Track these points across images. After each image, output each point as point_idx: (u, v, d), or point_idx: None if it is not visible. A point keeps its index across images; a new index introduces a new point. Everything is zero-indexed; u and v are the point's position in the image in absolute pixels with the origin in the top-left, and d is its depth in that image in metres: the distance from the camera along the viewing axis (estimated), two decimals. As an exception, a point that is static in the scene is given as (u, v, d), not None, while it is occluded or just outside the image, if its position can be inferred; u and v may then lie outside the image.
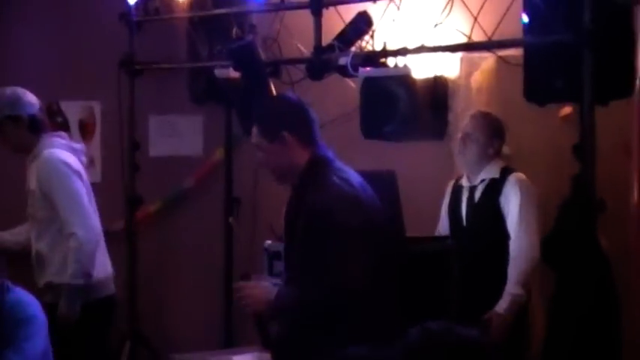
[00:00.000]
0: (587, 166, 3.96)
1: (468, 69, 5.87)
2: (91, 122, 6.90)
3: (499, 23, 4.54)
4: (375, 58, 5.07)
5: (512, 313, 4.92)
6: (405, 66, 4.95)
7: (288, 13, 5.61)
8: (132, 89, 6.40)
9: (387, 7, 5.06)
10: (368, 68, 5.04)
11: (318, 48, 5.20)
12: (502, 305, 4.92)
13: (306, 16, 5.29)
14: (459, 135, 5.19)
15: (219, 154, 6.82)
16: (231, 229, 6.52)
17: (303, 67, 5.34)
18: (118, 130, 6.34)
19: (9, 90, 5.30)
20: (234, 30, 5.77)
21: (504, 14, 4.45)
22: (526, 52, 4.33)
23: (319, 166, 3.73)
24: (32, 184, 5.28)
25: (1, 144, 5.40)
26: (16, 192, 5.57)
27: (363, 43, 5.20)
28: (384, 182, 4.53)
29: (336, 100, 5.67)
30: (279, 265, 4.38)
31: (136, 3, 6.27)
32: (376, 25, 5.17)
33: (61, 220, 5.18)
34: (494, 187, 5.08)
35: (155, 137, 6.87)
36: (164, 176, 6.80)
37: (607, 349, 4.67)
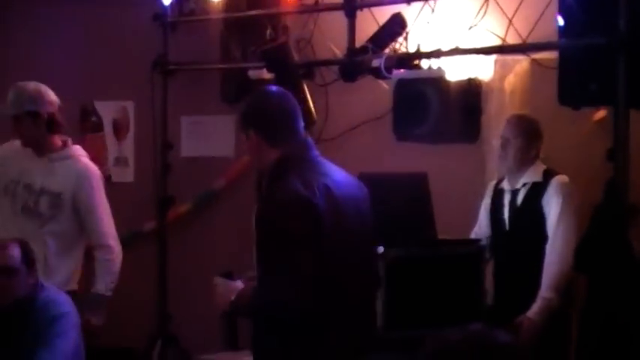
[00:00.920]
0: (621, 170, 3.94)
1: (502, 72, 5.84)
2: (124, 122, 6.93)
3: (534, 26, 4.52)
4: (408, 60, 5.07)
5: (542, 317, 4.88)
6: (439, 68, 4.96)
7: (322, 15, 5.61)
8: (165, 90, 6.41)
9: (422, 9, 5.06)
10: (401, 70, 5.04)
11: (352, 50, 5.20)
12: (534, 309, 4.88)
13: (339, 18, 5.30)
14: (499, 141, 5.11)
15: (250, 155, 6.82)
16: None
17: (336, 68, 5.35)
18: (150, 130, 6.36)
19: (32, 85, 5.21)
20: (268, 31, 5.78)
21: (539, 17, 4.43)
22: (561, 55, 4.31)
23: (284, 166, 3.60)
24: (56, 185, 5.15)
25: (15, 136, 5.34)
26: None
27: (397, 45, 5.20)
28: (415, 184, 4.53)
29: (368, 102, 5.67)
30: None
31: (171, 4, 6.29)
32: (410, 26, 5.16)
33: (95, 231, 5.15)
34: (537, 191, 5.01)
35: (187, 138, 6.89)
36: (195, 177, 6.82)
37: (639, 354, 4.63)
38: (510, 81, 5.79)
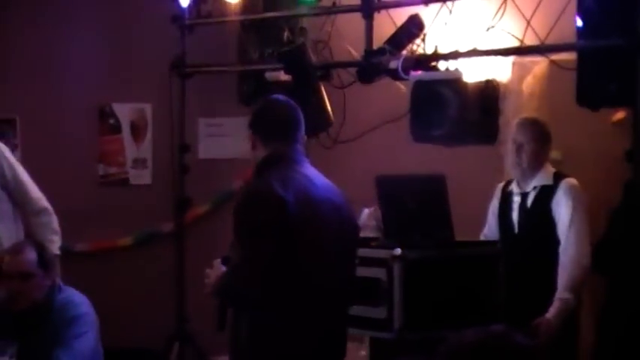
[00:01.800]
0: (639, 171, 3.92)
1: (520, 73, 5.82)
2: (142, 124, 6.95)
3: (552, 27, 4.51)
4: (426, 61, 5.06)
5: (560, 318, 4.87)
6: (457, 70, 4.94)
7: (339, 16, 5.61)
8: (182, 91, 6.43)
9: (439, 10, 5.05)
10: (419, 72, 5.03)
11: (369, 51, 5.20)
12: (551, 311, 4.87)
13: (357, 20, 5.29)
14: (513, 145, 5.09)
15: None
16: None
17: (353, 70, 5.35)
18: (168, 132, 6.38)
19: None
20: (285, 33, 5.78)
21: (557, 18, 4.42)
22: (579, 56, 4.30)
23: (268, 163, 3.81)
24: None
25: None
26: None
27: (414, 47, 5.19)
28: (433, 186, 4.52)
29: (386, 103, 5.66)
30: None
31: (188, 6, 6.30)
32: (428, 28, 5.16)
33: (29, 199, 5.20)
34: (547, 193, 5.01)
35: (204, 139, 6.90)
36: (213, 178, 6.83)
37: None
38: (528, 82, 5.77)
